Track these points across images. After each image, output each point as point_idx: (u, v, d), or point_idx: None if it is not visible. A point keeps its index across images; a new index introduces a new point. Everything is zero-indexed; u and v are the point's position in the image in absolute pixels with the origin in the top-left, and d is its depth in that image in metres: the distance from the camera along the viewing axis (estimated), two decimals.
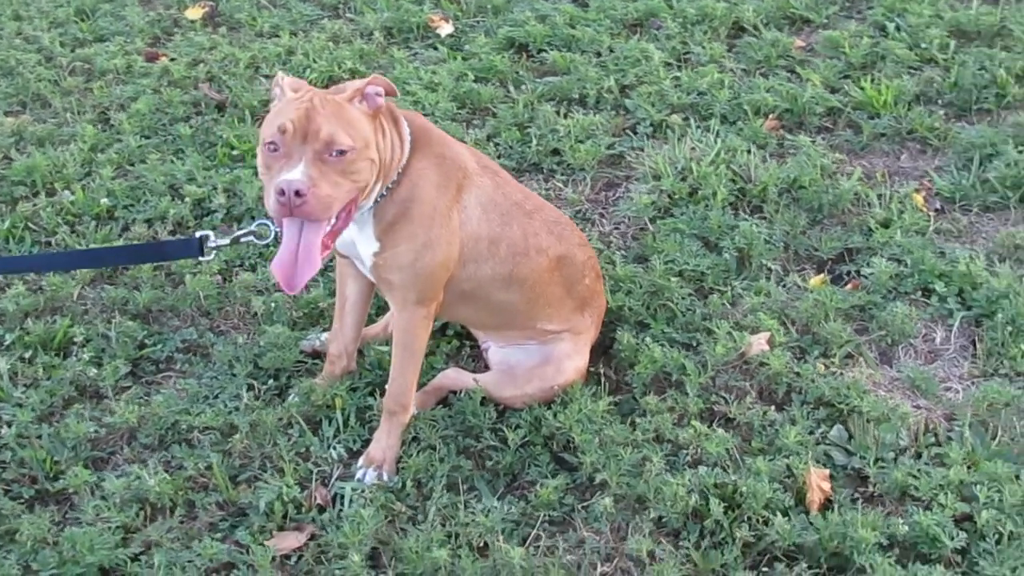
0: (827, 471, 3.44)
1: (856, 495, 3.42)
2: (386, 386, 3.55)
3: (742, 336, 3.87)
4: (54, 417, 3.75)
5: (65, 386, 3.82)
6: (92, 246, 4.39)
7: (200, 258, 3.43)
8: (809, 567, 3.17)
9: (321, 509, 3.43)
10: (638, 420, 3.62)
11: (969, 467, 3.41)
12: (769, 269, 4.28)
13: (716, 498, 3.31)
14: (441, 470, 3.51)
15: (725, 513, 3.29)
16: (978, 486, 3.31)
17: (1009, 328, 3.89)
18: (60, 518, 3.40)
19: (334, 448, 3.62)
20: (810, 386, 3.73)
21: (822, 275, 4.24)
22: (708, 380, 3.78)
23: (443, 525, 3.34)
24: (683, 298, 4.10)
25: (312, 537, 3.34)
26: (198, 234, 3.39)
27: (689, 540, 3.27)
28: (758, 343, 3.87)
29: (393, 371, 3.50)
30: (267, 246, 3.88)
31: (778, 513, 3.28)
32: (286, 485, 3.43)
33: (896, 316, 3.97)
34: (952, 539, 3.18)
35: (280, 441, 3.60)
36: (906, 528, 3.22)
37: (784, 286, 4.18)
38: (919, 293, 4.13)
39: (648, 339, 3.90)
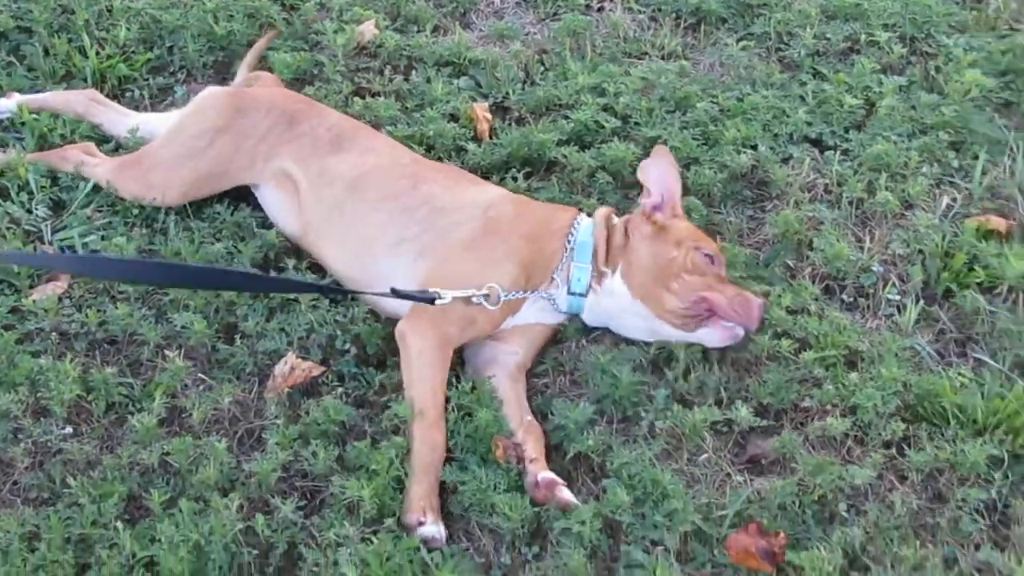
0: (487, 104, 3.99)
1: (509, 120, 4.00)
2: None
3: (352, 28, 4.25)
4: None
5: None
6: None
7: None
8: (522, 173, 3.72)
9: None
10: None
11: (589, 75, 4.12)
12: None
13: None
14: None
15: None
16: (603, 85, 4.04)
17: None
18: None
19: (37, 210, 3.56)
20: (425, 53, 4.22)
21: None
22: (344, 67, 4.14)
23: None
24: (279, 15, 4.35)
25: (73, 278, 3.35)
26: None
27: None
28: (368, 29, 4.29)
29: None
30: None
31: (467, 142, 3.80)
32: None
33: None
34: (607, 123, 3.88)
35: None
36: (572, 124, 3.87)
37: None
38: None
39: (273, 53, 4.14)
